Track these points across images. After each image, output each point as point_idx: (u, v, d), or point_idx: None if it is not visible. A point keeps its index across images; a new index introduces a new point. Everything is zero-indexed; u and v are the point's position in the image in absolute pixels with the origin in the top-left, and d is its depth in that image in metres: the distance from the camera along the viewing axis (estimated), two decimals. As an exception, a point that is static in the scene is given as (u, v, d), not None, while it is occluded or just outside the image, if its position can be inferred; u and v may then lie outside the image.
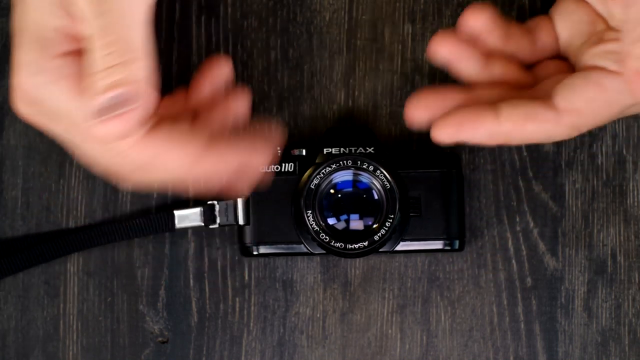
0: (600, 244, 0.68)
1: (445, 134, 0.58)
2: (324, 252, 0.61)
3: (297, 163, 0.63)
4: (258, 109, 0.68)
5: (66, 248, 0.67)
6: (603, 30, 0.61)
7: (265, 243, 0.63)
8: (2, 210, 0.68)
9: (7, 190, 0.68)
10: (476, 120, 0.58)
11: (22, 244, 0.68)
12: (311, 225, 0.61)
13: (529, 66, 0.63)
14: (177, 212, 0.66)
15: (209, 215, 0.65)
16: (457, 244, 0.64)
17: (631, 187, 0.68)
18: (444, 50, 0.60)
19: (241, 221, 0.64)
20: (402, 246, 0.63)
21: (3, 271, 0.67)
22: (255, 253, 0.63)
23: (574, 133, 0.58)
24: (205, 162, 0.56)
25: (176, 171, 0.56)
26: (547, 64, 0.63)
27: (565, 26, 0.63)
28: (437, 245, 0.64)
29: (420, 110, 0.59)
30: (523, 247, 0.68)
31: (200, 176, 0.57)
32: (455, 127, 0.58)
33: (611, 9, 0.60)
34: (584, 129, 0.58)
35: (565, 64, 0.63)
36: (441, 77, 0.68)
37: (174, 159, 0.55)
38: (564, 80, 0.59)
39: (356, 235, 0.62)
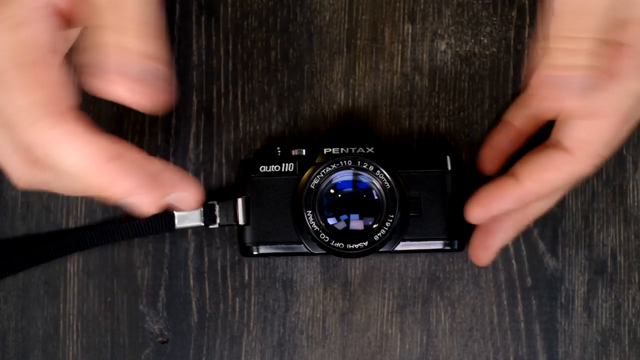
0: (600, 244, 0.68)
1: (479, 215, 0.60)
2: (324, 252, 0.61)
3: (297, 163, 0.63)
4: (258, 109, 0.68)
5: (66, 248, 0.67)
6: None
7: (265, 243, 0.63)
8: (2, 210, 0.68)
9: (7, 190, 0.68)
10: (499, 191, 0.60)
11: (22, 244, 0.68)
12: (311, 225, 0.61)
13: None
14: (177, 212, 0.66)
15: (209, 215, 0.65)
16: (457, 243, 0.64)
17: (631, 187, 0.68)
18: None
19: (241, 221, 0.64)
20: (402, 246, 0.63)
21: (3, 271, 0.67)
22: (255, 253, 0.63)
23: (596, 162, 0.59)
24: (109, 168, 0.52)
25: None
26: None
27: None
28: (437, 245, 0.64)
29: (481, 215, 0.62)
30: (523, 247, 0.68)
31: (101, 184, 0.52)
32: (485, 205, 0.60)
33: None
34: (603, 154, 0.58)
35: None
36: (441, 77, 0.68)
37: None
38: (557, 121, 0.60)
39: (356, 235, 0.61)
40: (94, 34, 0.51)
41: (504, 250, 0.68)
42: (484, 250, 0.64)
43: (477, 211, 0.60)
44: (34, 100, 0.51)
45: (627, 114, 0.57)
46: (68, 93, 0.51)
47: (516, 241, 0.68)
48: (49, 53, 0.51)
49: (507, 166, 0.63)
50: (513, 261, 0.68)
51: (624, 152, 0.68)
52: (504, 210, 0.61)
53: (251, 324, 0.68)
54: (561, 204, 0.68)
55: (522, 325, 0.68)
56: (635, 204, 0.68)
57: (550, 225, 0.68)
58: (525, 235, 0.68)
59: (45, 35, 0.52)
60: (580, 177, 0.59)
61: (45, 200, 0.68)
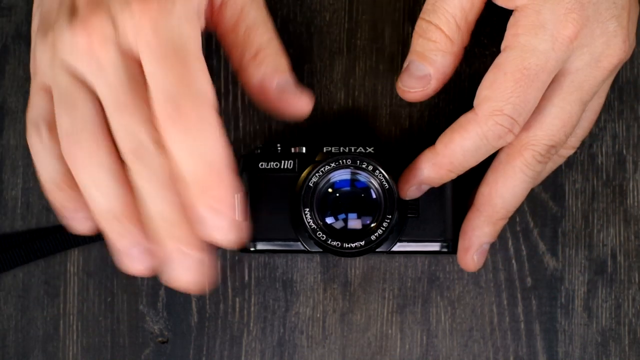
0: (600, 244, 0.68)
1: (403, 187, 0.61)
2: (321, 250, 0.61)
3: (296, 160, 0.63)
4: (258, 109, 0.68)
5: (66, 243, 0.67)
6: None
7: (262, 240, 0.63)
8: (2, 210, 0.68)
9: (7, 190, 0.69)
10: (418, 160, 0.61)
11: (22, 239, 0.68)
12: (308, 223, 0.61)
13: None
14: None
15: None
16: (454, 246, 0.64)
17: (631, 187, 0.68)
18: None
19: (238, 217, 0.64)
20: (399, 247, 0.63)
21: (3, 266, 0.67)
22: (252, 249, 0.63)
23: (500, 120, 0.58)
24: None
25: None
26: None
27: None
28: (434, 247, 0.63)
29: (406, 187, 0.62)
30: (523, 247, 0.68)
31: None
32: (408, 178, 0.61)
33: None
34: (508, 112, 0.58)
35: None
36: (441, 77, 0.68)
37: None
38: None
39: (353, 235, 0.61)
40: None
41: (504, 251, 0.68)
42: (465, 252, 0.63)
43: (402, 186, 0.61)
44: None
45: (527, 70, 0.58)
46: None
47: (516, 241, 0.68)
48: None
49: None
50: (513, 261, 0.68)
51: (624, 152, 0.68)
52: (426, 179, 0.61)
53: (251, 324, 0.68)
54: (561, 204, 0.68)
55: (522, 325, 0.68)
56: (635, 204, 0.68)
57: (550, 225, 0.68)
58: (525, 235, 0.68)
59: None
60: (490, 140, 0.58)
61: (45, 200, 0.68)
